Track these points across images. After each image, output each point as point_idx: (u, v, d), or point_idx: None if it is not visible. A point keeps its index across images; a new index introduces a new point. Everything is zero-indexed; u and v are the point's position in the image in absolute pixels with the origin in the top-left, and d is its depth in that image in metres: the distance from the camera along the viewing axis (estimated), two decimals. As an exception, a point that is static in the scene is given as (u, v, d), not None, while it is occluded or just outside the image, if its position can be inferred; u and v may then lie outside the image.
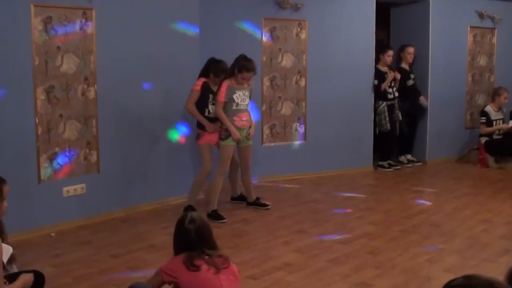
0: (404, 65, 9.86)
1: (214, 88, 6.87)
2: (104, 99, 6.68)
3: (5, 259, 3.44)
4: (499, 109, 10.06)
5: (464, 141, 10.51)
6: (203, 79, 6.97)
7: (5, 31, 5.79)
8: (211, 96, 6.86)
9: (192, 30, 7.53)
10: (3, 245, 3.43)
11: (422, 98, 9.84)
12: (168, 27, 7.26)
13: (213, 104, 6.89)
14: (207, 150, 6.98)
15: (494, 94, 10.14)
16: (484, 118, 9.96)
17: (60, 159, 6.37)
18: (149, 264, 5.34)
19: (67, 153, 6.42)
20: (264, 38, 8.52)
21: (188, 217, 3.74)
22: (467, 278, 2.01)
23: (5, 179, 3.74)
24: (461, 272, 4.92)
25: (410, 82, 9.78)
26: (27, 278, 3.66)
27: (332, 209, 7.27)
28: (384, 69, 9.47)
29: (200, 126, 6.99)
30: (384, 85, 9.37)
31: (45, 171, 6.24)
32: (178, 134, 7.55)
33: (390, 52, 9.51)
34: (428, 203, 7.58)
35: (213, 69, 6.92)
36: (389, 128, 9.44)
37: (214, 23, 8.07)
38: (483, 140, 9.95)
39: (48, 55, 6.15)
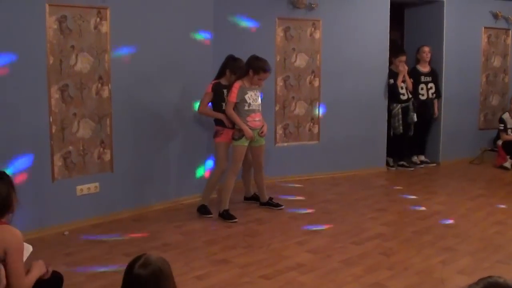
0: (420, 67, 9.82)
1: (228, 84, 6.89)
2: (118, 98, 6.70)
3: (25, 257, 3.46)
4: None
5: (478, 142, 10.46)
6: (213, 81, 7.01)
7: (20, 30, 5.82)
8: (225, 91, 6.86)
9: (205, 29, 7.53)
10: (24, 243, 3.45)
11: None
12: (182, 26, 7.26)
13: None
14: (224, 148, 6.98)
15: (511, 103, 10.09)
16: (502, 125, 9.93)
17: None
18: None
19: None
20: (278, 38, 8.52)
21: (142, 260, 2.80)
22: (488, 283, 2.01)
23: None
24: (475, 273, 4.92)
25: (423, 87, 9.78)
26: (40, 264, 3.64)
27: (345, 210, 7.25)
28: (397, 71, 9.43)
29: (218, 123, 7.00)
30: (399, 81, 9.34)
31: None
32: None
33: (402, 58, 9.45)
34: (441, 204, 7.54)
35: (231, 66, 6.95)
36: (401, 131, 9.43)
37: (228, 22, 8.07)
38: (500, 142, 9.93)
39: (62, 54, 6.18)
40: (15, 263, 3.30)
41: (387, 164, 9.74)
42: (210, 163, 7.66)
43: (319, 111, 8.94)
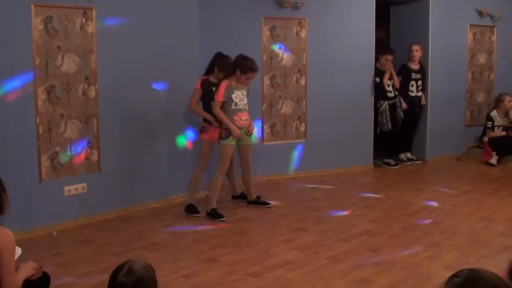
0: (410, 64, 9.88)
1: (216, 82, 6.90)
2: (105, 98, 6.70)
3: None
4: (506, 114, 10.06)
5: (464, 139, 10.52)
6: (202, 77, 7.04)
7: (5, 31, 5.81)
8: (214, 89, 6.86)
9: (192, 29, 7.55)
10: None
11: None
12: (168, 26, 7.27)
13: None
14: (208, 146, 7.00)
15: (497, 101, 10.16)
16: (490, 123, 10.00)
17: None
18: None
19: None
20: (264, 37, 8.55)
21: (125, 268, 2.79)
22: (472, 271, 2.06)
23: None
24: (461, 268, 4.96)
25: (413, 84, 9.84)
26: (29, 265, 3.66)
27: (333, 207, 7.28)
28: (382, 68, 9.49)
29: (206, 120, 7.02)
30: (385, 79, 9.40)
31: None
32: (185, 139, 7.64)
33: (389, 57, 9.50)
34: (428, 200, 7.60)
35: (219, 63, 6.98)
36: (390, 128, 9.48)
37: (214, 22, 8.08)
38: (486, 138, 10.01)
39: (48, 55, 6.17)
40: (8, 263, 3.32)
41: (386, 163, 9.82)
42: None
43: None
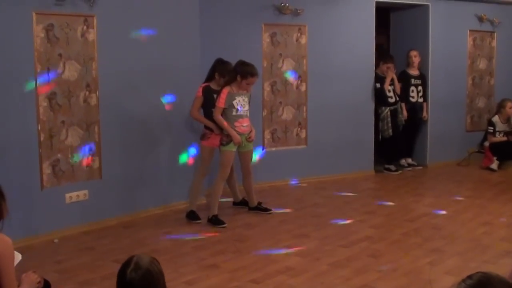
0: (409, 70, 9.90)
1: (217, 89, 6.90)
2: (106, 105, 6.71)
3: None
4: (508, 120, 10.06)
5: (465, 144, 10.52)
6: (203, 84, 7.04)
7: (7, 38, 5.83)
8: (215, 96, 6.87)
9: (193, 36, 7.57)
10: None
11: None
12: (169, 33, 7.29)
13: None
14: (209, 152, 7.02)
15: (499, 107, 10.14)
16: (492, 128, 10.00)
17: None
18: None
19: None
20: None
21: (132, 263, 2.80)
22: (483, 275, 2.09)
23: None
24: (462, 274, 4.94)
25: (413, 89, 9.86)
26: (32, 278, 3.66)
27: (334, 213, 7.28)
28: (383, 75, 9.50)
29: (207, 127, 7.03)
30: (386, 85, 9.41)
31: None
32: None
33: (390, 65, 9.53)
34: (429, 206, 7.59)
35: (219, 70, 6.99)
36: (391, 134, 9.48)
37: (215, 29, 8.10)
38: (487, 143, 10.02)
39: (50, 62, 6.19)
40: (7, 269, 3.32)
41: (387, 169, 9.82)
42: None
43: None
